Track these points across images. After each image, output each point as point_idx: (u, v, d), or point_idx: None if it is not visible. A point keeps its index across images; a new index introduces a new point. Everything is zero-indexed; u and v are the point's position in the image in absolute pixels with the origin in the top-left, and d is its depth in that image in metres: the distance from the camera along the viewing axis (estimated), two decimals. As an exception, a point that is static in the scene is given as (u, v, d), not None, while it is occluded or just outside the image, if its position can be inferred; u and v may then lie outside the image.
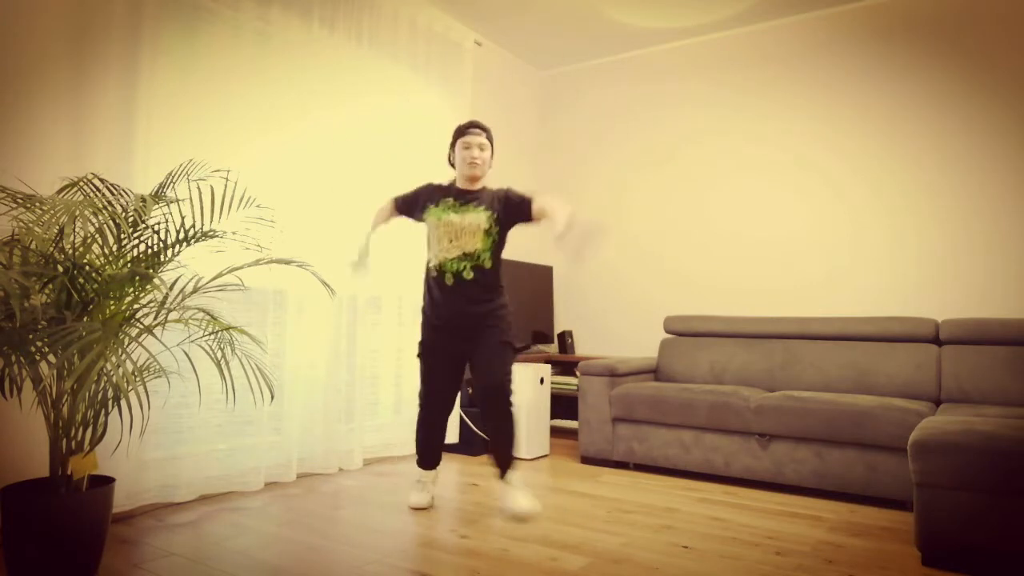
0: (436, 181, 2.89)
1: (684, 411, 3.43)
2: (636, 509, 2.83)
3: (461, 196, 2.78)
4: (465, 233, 2.70)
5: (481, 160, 2.75)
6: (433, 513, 2.73)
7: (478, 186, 2.81)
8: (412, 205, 2.87)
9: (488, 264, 2.72)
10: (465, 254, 2.70)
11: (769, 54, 4.31)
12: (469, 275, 2.69)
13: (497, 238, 2.75)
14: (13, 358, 1.92)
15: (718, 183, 4.45)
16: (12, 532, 1.85)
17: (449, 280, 2.71)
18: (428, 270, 2.79)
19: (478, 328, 2.72)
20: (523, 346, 4.38)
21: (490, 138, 2.79)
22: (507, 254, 4.85)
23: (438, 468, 2.92)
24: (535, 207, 2.70)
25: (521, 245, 5.00)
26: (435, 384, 2.78)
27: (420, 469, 2.87)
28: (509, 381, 2.69)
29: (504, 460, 2.76)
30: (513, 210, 2.74)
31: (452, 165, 2.84)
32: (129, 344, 2.10)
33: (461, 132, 2.78)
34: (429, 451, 2.84)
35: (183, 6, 2.85)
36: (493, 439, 2.74)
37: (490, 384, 2.66)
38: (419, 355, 2.82)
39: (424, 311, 2.82)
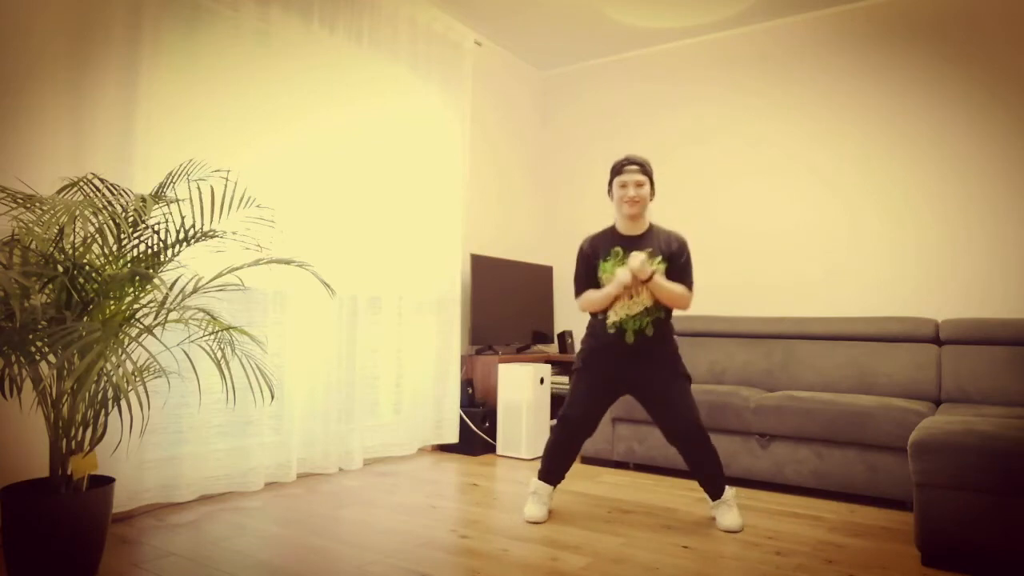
0: (589, 234, 2.70)
1: (684, 411, 3.43)
2: (636, 509, 2.83)
3: (629, 244, 2.65)
4: (646, 288, 2.57)
5: (639, 198, 2.60)
6: (433, 513, 2.73)
7: (644, 227, 2.67)
8: (590, 277, 2.70)
9: (663, 314, 2.63)
10: (646, 308, 2.59)
11: (769, 54, 4.31)
12: (651, 331, 2.60)
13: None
14: (13, 358, 1.92)
15: (718, 183, 4.45)
16: (12, 532, 1.85)
17: (631, 339, 2.60)
18: (604, 326, 2.64)
19: (653, 365, 2.62)
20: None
21: (647, 172, 2.63)
22: (507, 253, 4.86)
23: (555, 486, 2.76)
24: (679, 292, 2.58)
25: (521, 245, 5.01)
26: (586, 407, 2.65)
27: (539, 482, 2.71)
28: (699, 416, 2.60)
29: (714, 488, 2.63)
30: (674, 274, 2.63)
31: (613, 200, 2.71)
32: (129, 344, 2.10)
33: (616, 171, 2.64)
34: (559, 471, 2.71)
35: (183, 6, 2.85)
36: (701, 472, 2.62)
37: (688, 427, 2.57)
38: (575, 372, 2.71)
39: (590, 350, 2.68)
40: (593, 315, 2.72)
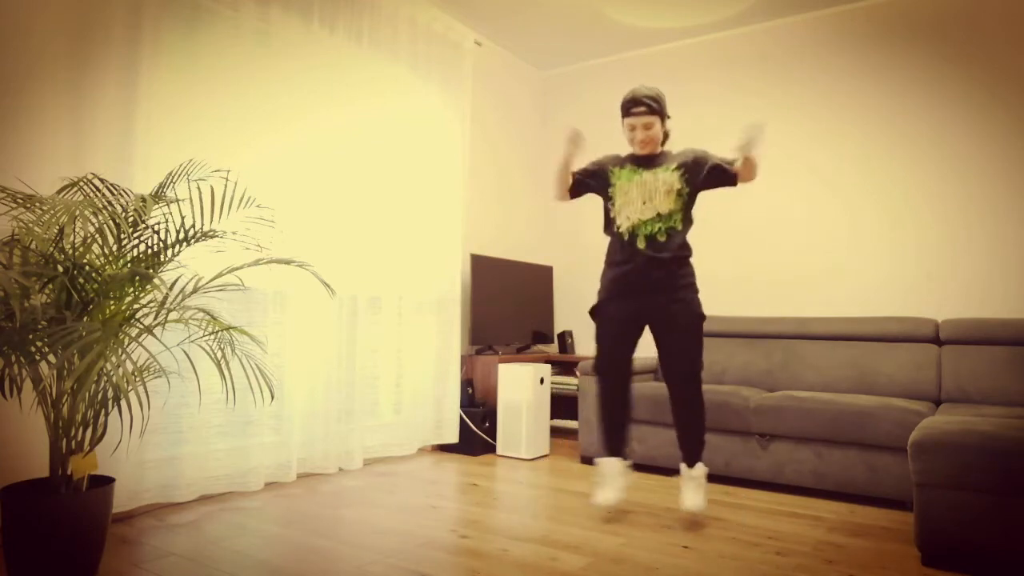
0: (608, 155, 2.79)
1: (684, 411, 3.43)
2: (636, 509, 2.83)
3: (643, 161, 2.69)
4: (659, 193, 2.60)
5: (648, 139, 2.64)
6: (433, 513, 2.73)
7: (658, 151, 2.72)
8: (594, 175, 2.76)
9: (680, 226, 2.63)
10: (659, 215, 2.61)
11: (769, 54, 4.31)
12: (663, 237, 2.60)
13: (687, 199, 2.65)
14: (13, 358, 1.92)
15: (718, 183, 4.45)
16: (12, 532, 1.85)
17: (641, 244, 2.61)
18: (617, 235, 2.68)
19: (667, 296, 2.62)
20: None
21: (656, 109, 2.60)
22: (507, 253, 4.85)
23: (626, 459, 2.70)
24: (737, 170, 2.59)
25: (521, 245, 5.00)
26: (615, 356, 2.66)
27: (605, 459, 2.68)
28: (701, 365, 2.62)
29: (692, 446, 2.64)
30: (713, 178, 2.63)
31: None
32: (129, 344, 2.10)
33: (624, 111, 2.65)
34: (613, 431, 2.67)
35: (183, 6, 2.85)
36: (682, 423, 2.64)
37: (685, 371, 2.59)
38: (593, 317, 2.73)
39: (606, 276, 2.72)
40: (610, 231, 2.73)
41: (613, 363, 2.67)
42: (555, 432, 4.82)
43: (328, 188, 3.39)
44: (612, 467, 2.67)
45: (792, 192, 4.18)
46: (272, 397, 2.36)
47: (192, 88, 2.87)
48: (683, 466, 2.70)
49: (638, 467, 3.66)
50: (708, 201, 4.47)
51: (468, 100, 4.26)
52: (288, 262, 2.35)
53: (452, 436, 3.98)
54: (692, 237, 4.51)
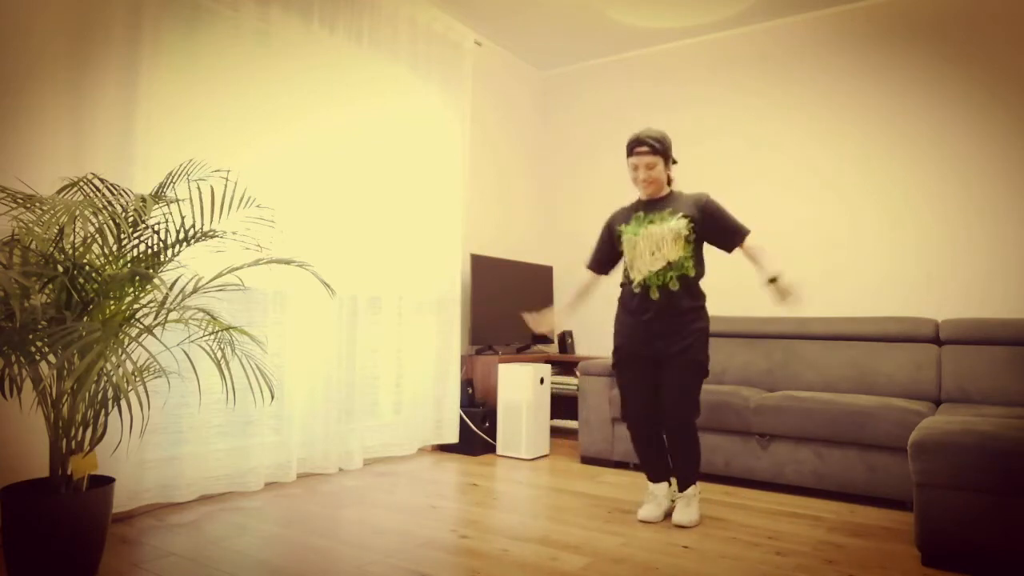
0: (617, 209, 2.83)
1: (684, 411, 3.43)
2: (636, 509, 2.83)
3: (650, 207, 2.72)
4: (667, 242, 2.62)
5: (650, 180, 2.66)
6: (433, 513, 2.73)
7: (663, 193, 2.73)
8: (606, 246, 2.85)
9: (691, 272, 2.64)
10: (669, 263, 2.62)
11: (769, 54, 4.31)
12: (675, 285, 2.62)
13: (696, 244, 2.67)
14: (13, 358, 1.92)
15: (718, 183, 4.45)
16: (12, 532, 1.85)
17: (655, 295, 2.63)
18: (629, 289, 2.72)
19: (677, 337, 2.63)
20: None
21: (659, 150, 2.63)
22: (507, 253, 4.85)
23: (670, 480, 2.79)
24: (747, 244, 2.64)
25: (521, 245, 5.00)
26: (637, 404, 2.71)
27: (651, 484, 2.76)
28: (695, 408, 2.62)
29: (686, 475, 2.68)
30: (718, 231, 2.66)
31: None
32: (129, 344, 2.10)
33: (628, 151, 2.68)
34: (650, 465, 2.75)
35: (183, 6, 2.85)
36: (677, 456, 2.67)
37: (681, 413, 2.61)
38: (615, 366, 2.77)
39: (621, 323, 2.75)
40: (624, 285, 2.77)
41: (639, 410, 2.72)
42: (555, 432, 4.82)
43: (328, 188, 3.39)
44: (660, 490, 2.76)
45: (792, 192, 4.18)
46: (272, 397, 2.36)
47: (192, 88, 2.87)
48: (675, 486, 2.76)
49: (638, 467, 3.66)
50: (708, 201, 4.47)
51: (468, 100, 4.26)
52: (288, 262, 2.35)
53: (452, 436, 3.98)
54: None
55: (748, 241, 2.65)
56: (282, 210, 3.18)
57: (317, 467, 3.36)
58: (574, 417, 4.67)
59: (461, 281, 4.32)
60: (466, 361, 4.26)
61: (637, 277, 2.68)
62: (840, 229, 4.02)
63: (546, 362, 4.61)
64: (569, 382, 4.52)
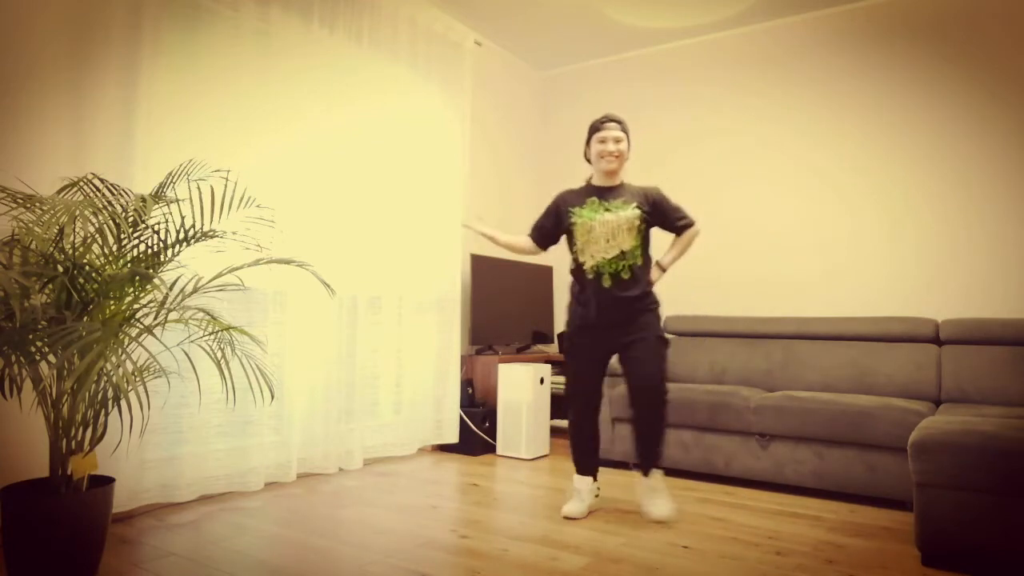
0: (564, 190, 2.88)
1: (684, 411, 3.43)
2: (636, 509, 2.83)
3: (605, 194, 2.77)
4: (622, 231, 2.69)
5: (618, 152, 2.72)
6: (433, 513, 2.73)
7: (617, 181, 2.80)
8: (552, 222, 2.86)
9: (640, 262, 2.73)
10: (622, 252, 2.69)
11: (769, 54, 4.31)
12: (627, 275, 2.69)
13: (646, 234, 2.77)
14: (13, 358, 1.92)
15: (718, 183, 4.45)
16: (12, 532, 1.85)
17: (607, 282, 2.69)
18: (581, 273, 2.76)
19: (632, 324, 2.71)
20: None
21: (625, 129, 2.76)
22: (507, 253, 4.86)
23: (596, 479, 2.84)
24: (687, 233, 2.81)
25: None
26: (584, 384, 2.76)
27: (577, 476, 2.80)
28: (665, 380, 2.71)
29: (649, 456, 2.73)
30: (667, 221, 2.79)
31: (589, 161, 2.83)
32: (129, 344, 2.10)
33: (595, 128, 2.75)
34: (582, 455, 2.79)
35: (183, 6, 2.85)
36: (641, 434, 2.71)
37: (649, 385, 2.67)
38: (565, 354, 2.81)
39: (572, 312, 2.80)
40: (575, 268, 2.80)
41: (584, 394, 2.77)
42: (555, 432, 4.82)
43: (328, 188, 3.39)
44: (584, 485, 2.77)
45: (792, 192, 4.18)
46: (272, 397, 2.36)
47: (192, 88, 2.87)
48: (640, 477, 2.78)
49: (638, 467, 3.66)
50: (709, 201, 4.47)
51: (468, 100, 4.26)
52: (288, 262, 2.35)
53: (452, 436, 3.98)
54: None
55: (689, 232, 2.81)
56: (282, 210, 3.18)
57: (317, 467, 3.36)
58: (574, 417, 4.67)
59: (461, 281, 4.32)
60: (466, 361, 4.26)
61: (589, 262, 2.72)
62: (840, 229, 4.02)
63: (546, 362, 4.61)
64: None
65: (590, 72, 5.06)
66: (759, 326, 3.91)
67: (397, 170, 3.79)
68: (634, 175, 4.78)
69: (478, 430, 3.95)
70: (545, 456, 3.96)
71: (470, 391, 4.13)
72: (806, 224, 4.13)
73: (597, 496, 2.81)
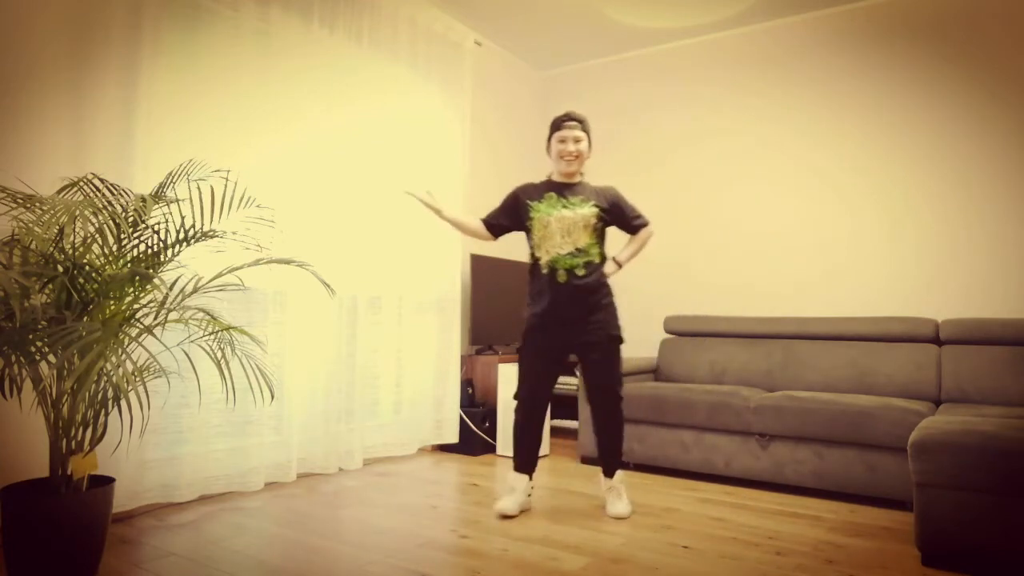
0: (525, 182, 2.90)
1: (684, 411, 3.43)
2: (636, 509, 2.83)
3: (563, 190, 2.79)
4: (578, 227, 2.71)
5: (577, 152, 2.75)
6: (433, 513, 2.73)
7: (576, 179, 2.83)
8: (510, 213, 2.86)
9: (597, 259, 2.75)
10: (578, 249, 2.71)
11: (769, 54, 4.31)
12: (582, 271, 2.71)
13: (602, 232, 2.79)
14: (13, 358, 1.92)
15: (718, 183, 4.45)
16: (12, 532, 1.85)
17: (562, 278, 2.71)
18: (537, 267, 2.77)
19: (587, 322, 2.72)
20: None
21: (586, 129, 2.78)
22: (506, 253, 4.86)
23: (532, 478, 2.86)
24: (644, 232, 2.85)
25: (521, 245, 5.00)
26: (532, 386, 2.77)
27: (514, 473, 2.80)
28: (620, 381, 2.74)
29: (612, 459, 2.78)
30: (622, 220, 2.83)
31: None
32: (129, 344, 2.10)
33: (556, 126, 2.77)
34: (524, 452, 2.80)
35: (183, 6, 2.85)
36: (601, 439, 2.78)
37: (604, 384, 2.71)
38: (519, 353, 2.82)
39: (530, 309, 2.80)
40: (532, 264, 2.81)
41: (533, 393, 2.78)
42: (555, 432, 4.82)
43: (328, 188, 3.39)
44: (521, 482, 2.78)
45: (792, 192, 4.18)
46: (272, 397, 2.36)
47: (192, 88, 2.87)
48: (602, 477, 2.83)
49: (638, 467, 3.66)
50: (709, 201, 4.47)
51: (468, 100, 4.26)
52: (288, 262, 2.35)
53: (452, 436, 3.98)
54: (694, 237, 4.51)
55: (644, 232, 2.86)
56: (282, 210, 3.18)
57: (317, 467, 3.36)
58: (574, 417, 4.67)
59: (461, 281, 4.32)
60: (466, 361, 4.26)
61: (545, 257, 2.74)
62: (840, 229, 4.02)
63: (546, 362, 4.60)
64: (569, 382, 4.52)
65: (590, 72, 5.06)
66: (759, 326, 3.91)
67: (397, 170, 3.79)
68: (634, 175, 4.78)
69: (478, 430, 3.95)
70: (545, 456, 3.96)
71: (470, 391, 4.13)
72: (806, 224, 4.13)
73: (530, 495, 2.82)
